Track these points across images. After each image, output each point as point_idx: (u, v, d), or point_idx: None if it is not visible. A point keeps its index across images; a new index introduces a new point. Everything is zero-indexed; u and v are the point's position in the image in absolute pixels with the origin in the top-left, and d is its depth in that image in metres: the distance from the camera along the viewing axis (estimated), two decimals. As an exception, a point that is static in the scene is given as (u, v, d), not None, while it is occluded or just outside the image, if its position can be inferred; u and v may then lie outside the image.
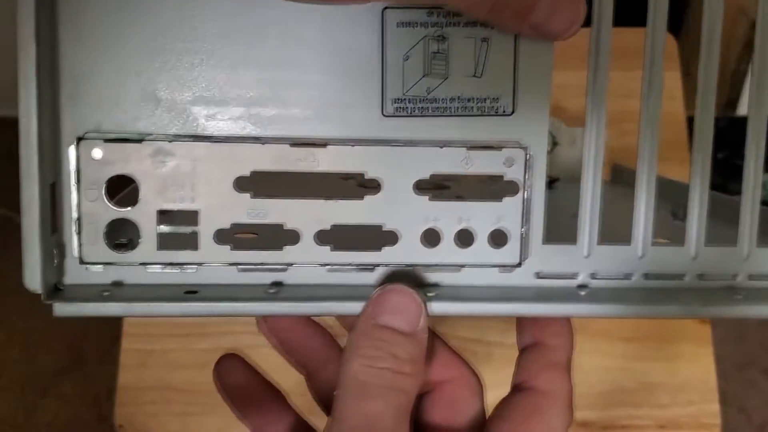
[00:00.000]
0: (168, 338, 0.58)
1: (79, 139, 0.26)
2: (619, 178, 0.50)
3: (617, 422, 0.57)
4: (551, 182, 0.47)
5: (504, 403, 0.28)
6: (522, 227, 0.27)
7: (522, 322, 0.29)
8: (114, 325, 0.64)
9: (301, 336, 0.31)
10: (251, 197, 0.26)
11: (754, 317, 0.27)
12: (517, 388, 0.28)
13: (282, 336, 0.31)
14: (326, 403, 0.31)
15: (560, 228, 0.28)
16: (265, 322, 0.31)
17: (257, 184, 0.27)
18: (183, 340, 0.58)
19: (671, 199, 0.34)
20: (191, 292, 0.26)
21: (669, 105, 0.28)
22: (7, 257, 1.19)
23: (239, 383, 0.32)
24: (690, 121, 0.63)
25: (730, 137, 0.42)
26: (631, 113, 0.31)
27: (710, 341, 0.58)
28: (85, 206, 0.26)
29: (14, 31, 0.24)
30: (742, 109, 1.14)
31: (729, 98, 1.13)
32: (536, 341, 0.29)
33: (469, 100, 0.26)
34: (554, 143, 0.49)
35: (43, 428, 1.14)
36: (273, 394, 0.32)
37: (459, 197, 0.27)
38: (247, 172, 0.26)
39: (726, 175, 0.45)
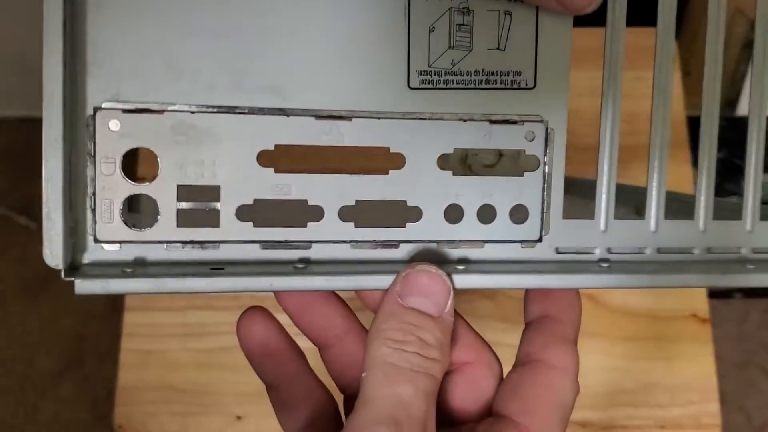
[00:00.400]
0: (168, 338, 0.58)
1: (96, 109, 0.25)
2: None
3: (617, 422, 0.57)
4: None
5: (513, 380, 0.28)
6: (542, 202, 0.27)
7: (531, 296, 0.29)
8: (114, 325, 0.64)
9: (320, 310, 0.30)
10: (274, 171, 0.26)
11: (760, 286, 0.27)
12: (523, 362, 0.28)
13: (301, 310, 0.31)
14: (341, 378, 0.31)
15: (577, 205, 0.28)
16: (284, 298, 0.30)
17: (281, 158, 0.26)
18: (183, 340, 0.58)
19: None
20: (217, 269, 0.26)
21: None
22: (6, 257, 1.19)
23: (261, 338, 0.30)
24: (690, 120, 0.63)
25: (729, 137, 0.42)
26: (634, 114, 0.31)
27: (710, 341, 0.58)
28: (101, 180, 0.25)
29: (14, 33, 0.24)
30: (742, 110, 1.14)
31: (728, 98, 1.13)
32: (545, 314, 0.29)
33: (492, 74, 0.26)
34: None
35: (43, 428, 1.14)
36: (294, 354, 0.31)
37: (481, 173, 0.27)
38: (270, 146, 0.26)
39: (724, 175, 0.45)
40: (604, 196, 0.27)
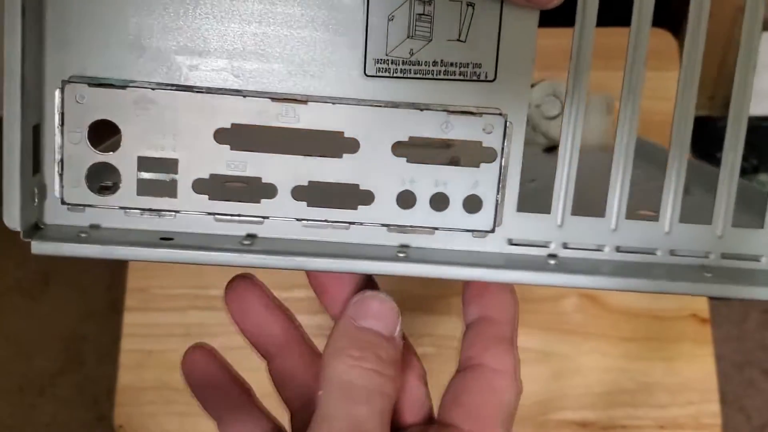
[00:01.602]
0: (168, 338, 0.58)
1: (65, 83, 0.26)
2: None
3: (617, 422, 0.57)
4: (552, 149, 0.47)
5: (455, 386, 0.29)
6: (497, 194, 0.27)
7: (467, 297, 0.30)
8: (114, 325, 0.64)
9: (258, 318, 0.31)
10: (230, 149, 0.27)
11: (719, 296, 0.27)
12: (464, 366, 0.29)
13: (242, 315, 0.31)
14: (284, 391, 0.31)
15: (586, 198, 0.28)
16: (230, 302, 0.31)
17: (237, 137, 0.27)
18: (183, 340, 0.58)
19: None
20: (167, 239, 0.27)
21: (668, 105, 0.28)
22: (6, 257, 1.19)
23: (204, 373, 0.31)
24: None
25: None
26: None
27: (710, 341, 0.58)
28: (68, 148, 0.27)
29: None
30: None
31: (728, 98, 1.13)
32: (481, 316, 0.29)
33: (451, 65, 0.27)
34: (562, 107, 0.48)
35: (42, 429, 1.14)
36: (239, 388, 0.32)
37: (438, 162, 0.27)
38: (227, 125, 0.27)
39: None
40: (563, 188, 0.27)
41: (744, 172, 0.32)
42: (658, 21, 0.28)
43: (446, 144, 0.29)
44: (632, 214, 0.28)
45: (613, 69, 0.29)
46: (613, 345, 0.58)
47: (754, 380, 1.13)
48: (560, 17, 0.26)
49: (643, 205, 0.28)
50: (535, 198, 0.28)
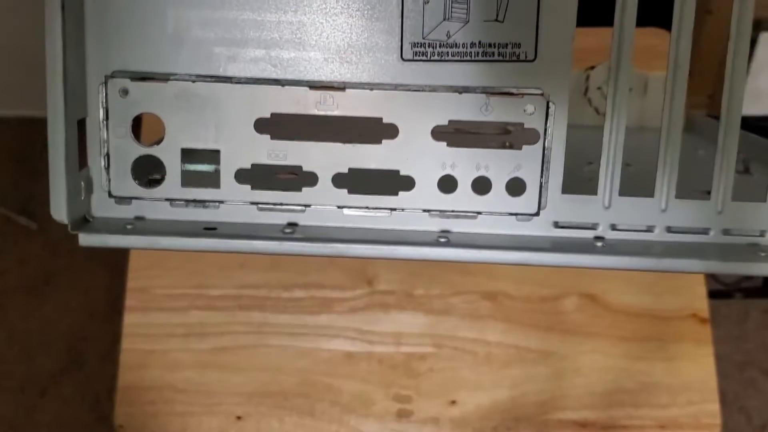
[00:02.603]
0: (168, 338, 0.58)
1: (107, 78, 0.27)
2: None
3: (617, 422, 0.57)
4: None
5: None
6: (541, 177, 0.27)
7: None
8: (114, 325, 0.64)
9: None
10: (270, 138, 0.27)
11: None
12: None
13: None
14: None
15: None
16: None
17: (277, 126, 0.27)
18: (183, 340, 0.58)
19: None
20: (210, 229, 0.28)
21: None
22: (6, 257, 1.19)
23: None
24: (688, 120, 0.63)
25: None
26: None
27: (710, 341, 0.58)
28: (114, 142, 0.27)
29: (13, 31, 0.24)
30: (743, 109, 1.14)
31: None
32: None
33: (490, 45, 0.26)
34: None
35: (43, 429, 1.14)
36: None
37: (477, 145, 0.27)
38: (267, 114, 0.27)
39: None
40: (610, 168, 0.27)
41: None
42: (658, 21, 0.27)
43: (505, 130, 0.29)
44: (683, 193, 0.27)
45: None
46: (614, 345, 0.58)
47: (755, 380, 1.13)
48: (597, 17, 0.26)
49: (701, 184, 0.28)
50: (592, 181, 0.28)
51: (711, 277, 0.94)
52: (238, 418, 0.56)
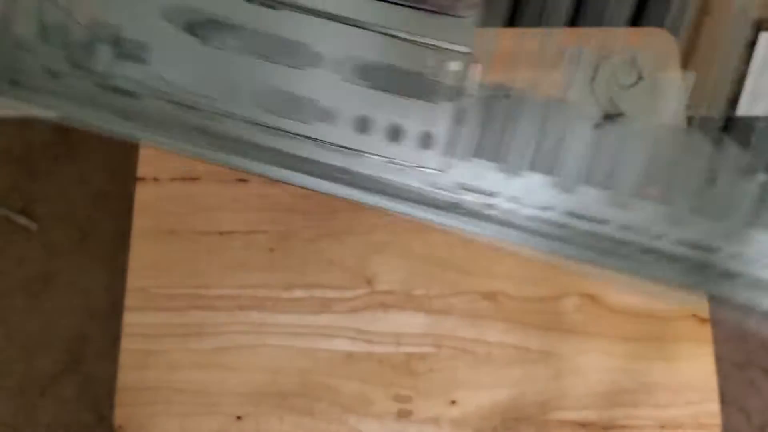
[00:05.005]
0: (168, 338, 0.58)
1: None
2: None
3: (617, 422, 0.57)
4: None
5: None
6: (452, 134, 0.27)
7: None
8: (114, 325, 0.64)
9: None
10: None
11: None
12: None
13: None
14: None
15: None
16: None
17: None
18: (183, 340, 0.58)
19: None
20: None
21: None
22: (6, 257, 1.19)
23: None
24: (688, 120, 0.63)
25: (732, 136, 0.42)
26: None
27: (710, 341, 0.58)
28: None
29: None
30: (742, 110, 1.14)
31: (728, 98, 1.13)
32: None
33: None
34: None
35: (42, 429, 1.14)
36: None
37: (397, 92, 0.27)
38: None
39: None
40: (524, 139, 0.27)
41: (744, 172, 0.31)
42: (658, 21, 0.27)
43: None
44: (592, 181, 0.27)
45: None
46: (614, 345, 0.58)
47: (755, 380, 1.13)
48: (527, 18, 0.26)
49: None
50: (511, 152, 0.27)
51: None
52: (238, 418, 0.56)
